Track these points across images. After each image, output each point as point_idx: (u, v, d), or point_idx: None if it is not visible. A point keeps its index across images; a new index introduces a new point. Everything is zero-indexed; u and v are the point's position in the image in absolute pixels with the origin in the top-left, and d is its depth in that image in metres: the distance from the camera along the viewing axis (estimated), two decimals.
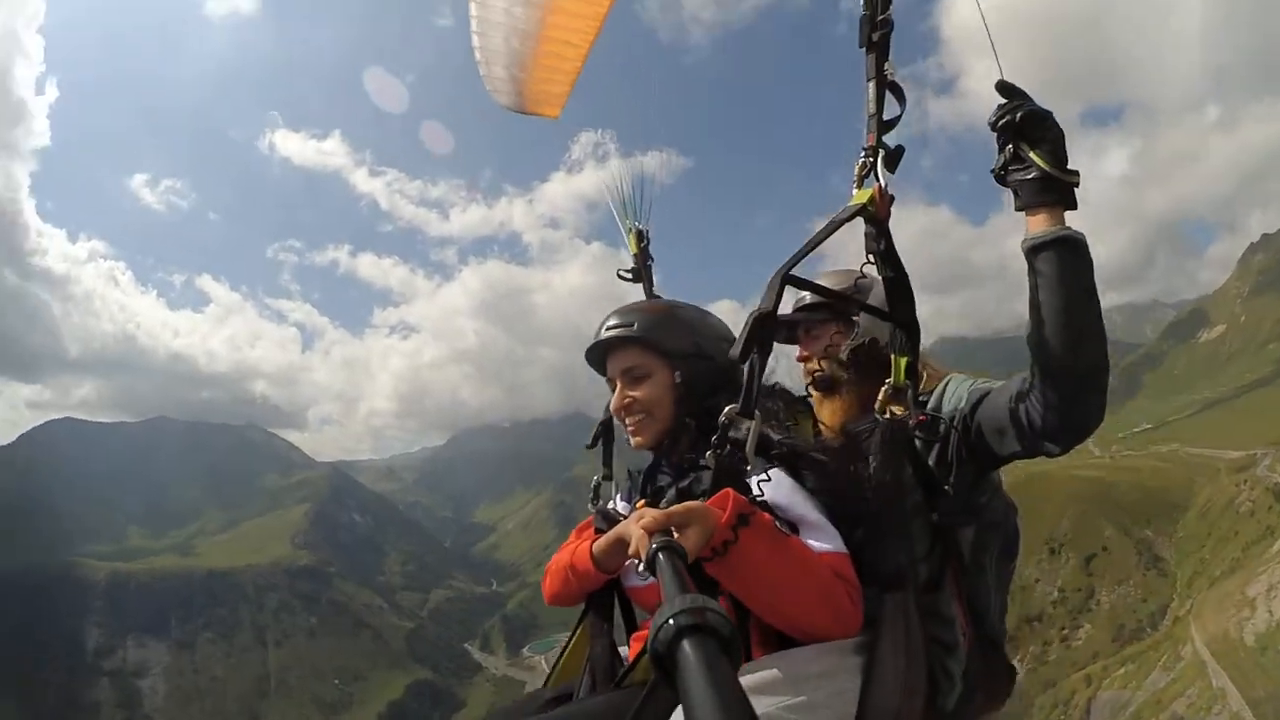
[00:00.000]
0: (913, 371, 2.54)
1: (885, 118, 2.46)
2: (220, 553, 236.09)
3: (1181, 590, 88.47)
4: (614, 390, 2.68)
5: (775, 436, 2.35)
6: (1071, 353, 2.19)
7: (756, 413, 2.13)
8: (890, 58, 2.42)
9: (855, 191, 2.47)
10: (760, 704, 1.75)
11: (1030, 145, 2.19)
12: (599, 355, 2.73)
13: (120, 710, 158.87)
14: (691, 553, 1.72)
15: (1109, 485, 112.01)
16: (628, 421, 2.65)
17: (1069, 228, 2.18)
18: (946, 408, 2.77)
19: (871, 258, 2.50)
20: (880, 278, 2.56)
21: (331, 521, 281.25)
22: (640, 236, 4.03)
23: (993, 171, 2.30)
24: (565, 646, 2.92)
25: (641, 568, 1.63)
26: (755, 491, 2.17)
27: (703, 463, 2.26)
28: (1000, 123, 2.22)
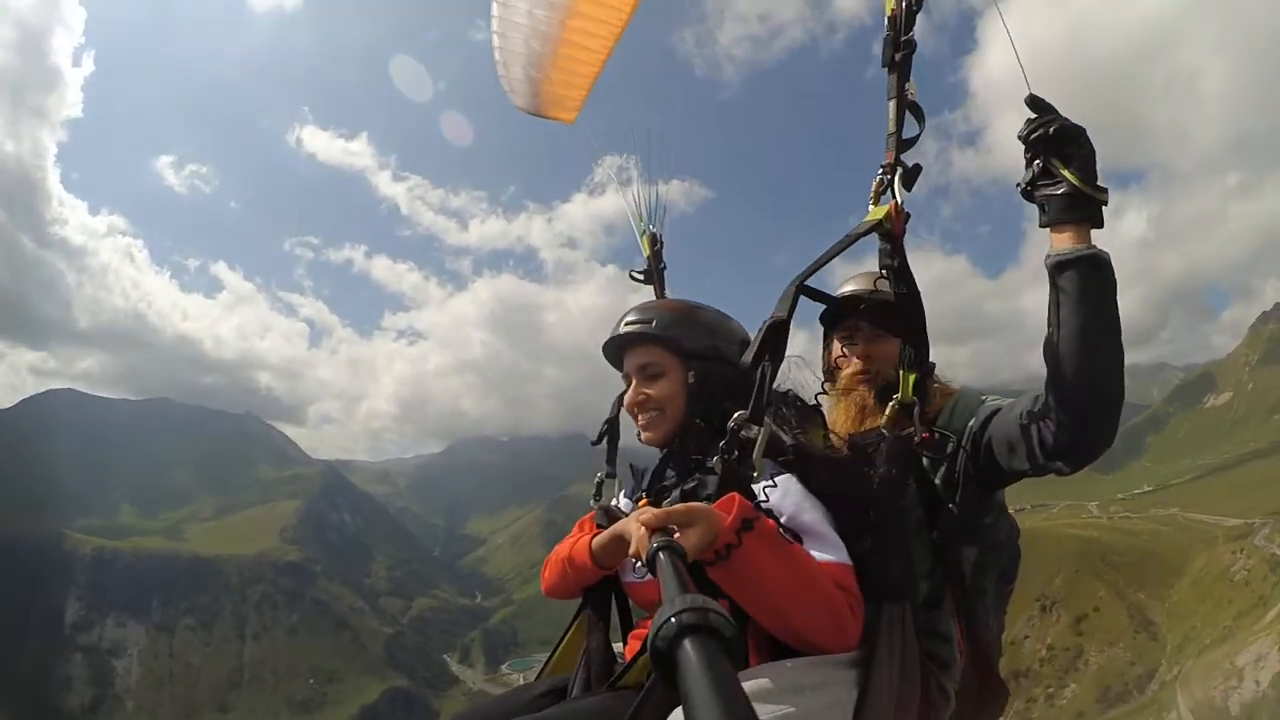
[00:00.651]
0: (920, 389, 2.51)
1: (904, 136, 2.45)
2: (208, 539, 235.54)
3: (1170, 655, 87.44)
4: (628, 385, 2.69)
5: (787, 441, 2.35)
6: (1088, 374, 2.18)
7: (766, 419, 2.13)
8: (911, 78, 2.43)
9: (871, 207, 2.48)
10: (758, 712, 1.51)
11: (1062, 161, 2.17)
12: (616, 350, 2.75)
13: (92, 687, 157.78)
14: (692, 553, 1.71)
15: (1105, 546, 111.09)
16: (640, 418, 2.66)
17: (1095, 246, 2.16)
18: (956, 423, 2.75)
19: (885, 273, 2.48)
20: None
21: (321, 519, 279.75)
22: (654, 240, 4.09)
23: (1019, 186, 2.29)
24: (561, 639, 2.92)
25: (641, 566, 1.62)
26: (761, 498, 2.16)
27: (709, 465, 2.26)
28: (1032, 136, 2.20)
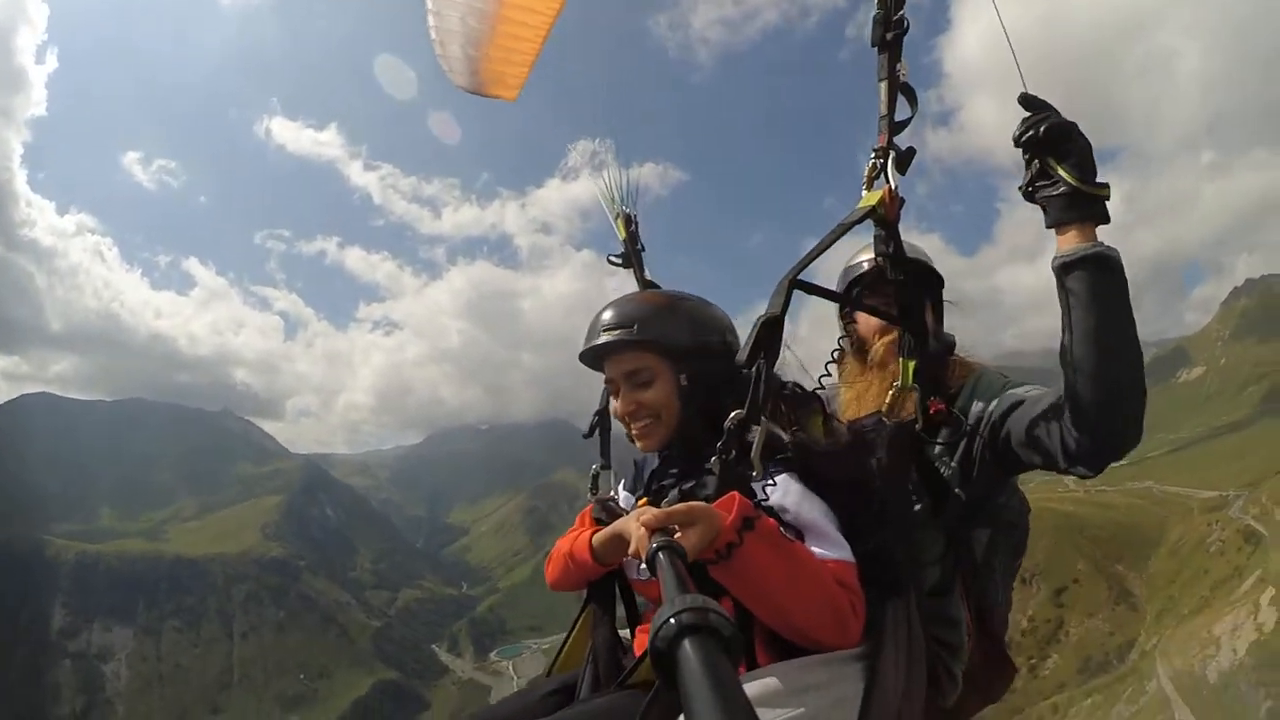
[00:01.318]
0: (920, 375, 2.46)
1: (897, 119, 2.38)
2: (190, 539, 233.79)
3: (1149, 626, 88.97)
4: (614, 392, 2.59)
5: (784, 438, 2.30)
6: (1105, 375, 2.11)
7: (763, 418, 2.10)
8: (903, 59, 2.34)
9: (865, 193, 2.41)
10: (762, 715, 1.67)
11: (1057, 160, 2.12)
12: (596, 358, 2.60)
13: (81, 694, 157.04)
14: (692, 553, 1.70)
15: (1083, 519, 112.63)
16: (633, 426, 2.55)
17: (1101, 244, 2.10)
18: (975, 405, 2.69)
19: (881, 260, 2.45)
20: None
21: (303, 514, 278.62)
22: (629, 221, 3.92)
23: (1021, 189, 2.24)
24: (568, 635, 2.87)
25: (641, 566, 1.60)
26: (761, 496, 2.14)
27: (708, 467, 2.19)
28: (1024, 138, 2.15)
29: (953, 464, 2.68)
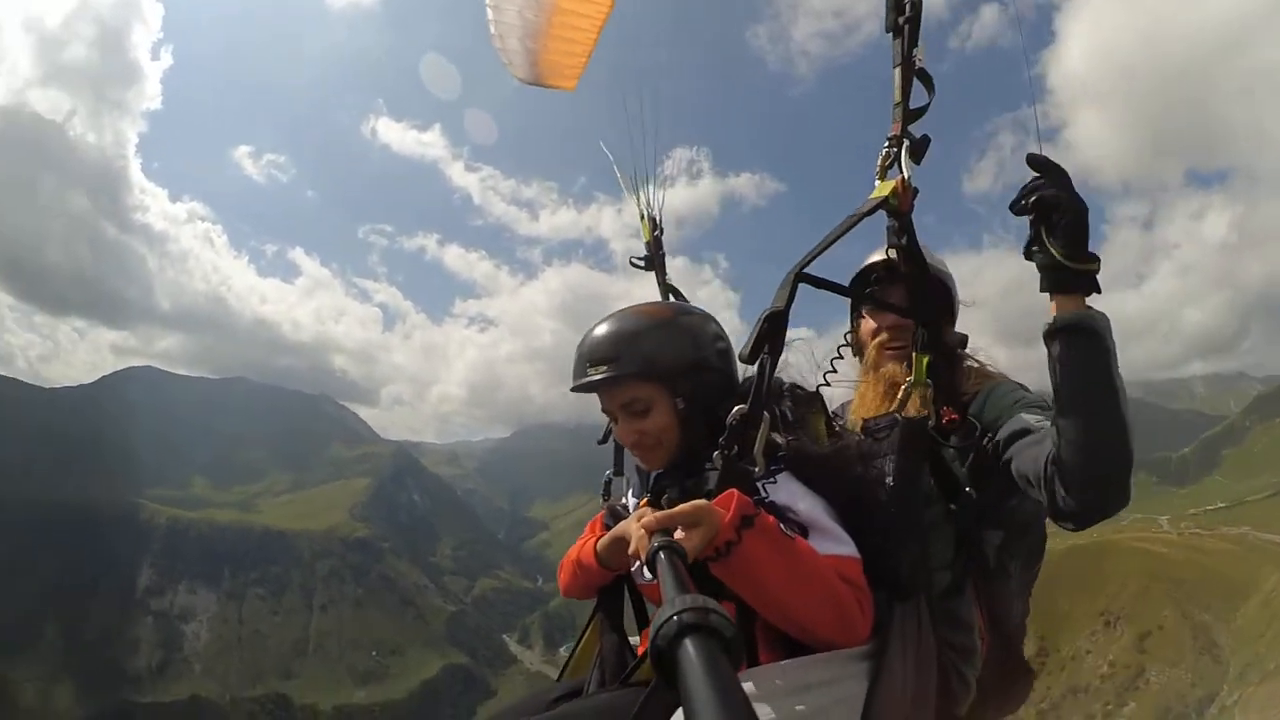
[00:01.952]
0: (935, 370, 2.43)
1: (911, 106, 2.31)
2: (280, 513, 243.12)
3: (1233, 680, 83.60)
4: (613, 420, 2.50)
5: (780, 440, 2.24)
6: (1086, 442, 2.07)
7: (765, 414, 2.08)
8: (920, 43, 2.27)
9: (878, 183, 2.34)
10: (762, 712, 1.73)
11: (1047, 231, 2.07)
12: (587, 390, 2.49)
13: (160, 650, 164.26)
14: (692, 553, 1.70)
15: (1173, 563, 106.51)
16: (638, 452, 2.49)
17: (1085, 313, 2.06)
18: (987, 416, 2.62)
19: (892, 253, 2.38)
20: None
21: (391, 498, 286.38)
22: (654, 224, 3.97)
23: (1024, 251, 2.17)
24: (578, 642, 2.94)
25: (639, 566, 1.55)
26: (761, 493, 2.12)
27: (709, 465, 2.19)
28: (1015, 207, 2.12)
29: (963, 468, 2.61)
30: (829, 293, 2.59)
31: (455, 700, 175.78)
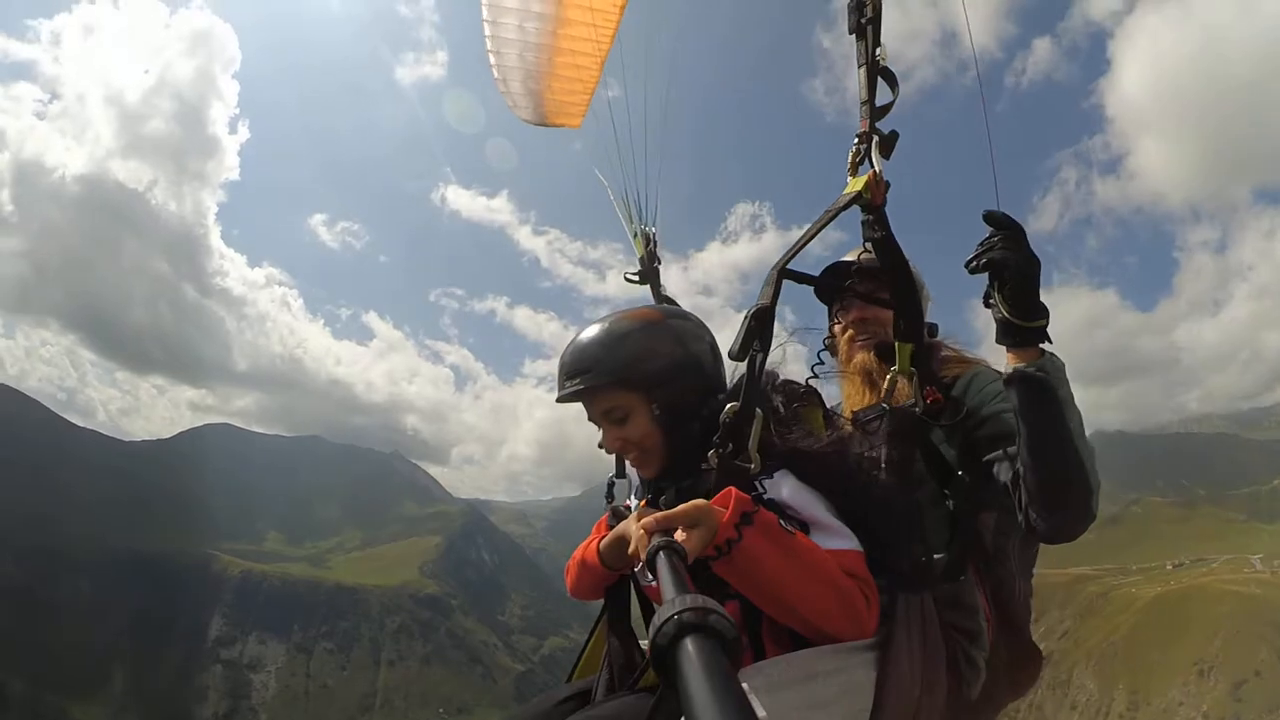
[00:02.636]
0: (918, 359, 2.46)
1: (878, 104, 2.39)
2: (351, 569, 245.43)
3: None
4: (600, 428, 2.52)
5: (775, 441, 2.25)
6: (1042, 477, 2.21)
7: (758, 411, 2.10)
8: (882, 43, 2.36)
9: (850, 179, 2.40)
10: (770, 702, 1.72)
11: (998, 288, 2.17)
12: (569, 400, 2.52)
13: (228, 699, 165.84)
14: (692, 552, 1.70)
15: (1269, 604, 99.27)
16: (627, 459, 2.54)
17: (1035, 363, 2.17)
18: (969, 402, 2.64)
19: (869, 246, 2.43)
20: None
21: (461, 556, 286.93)
22: (647, 239, 4.13)
23: (983, 301, 2.27)
24: (587, 641, 2.97)
25: (640, 567, 1.56)
26: (759, 490, 2.14)
27: (705, 465, 2.19)
28: (969, 267, 2.21)
29: (952, 450, 2.64)
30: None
31: None
